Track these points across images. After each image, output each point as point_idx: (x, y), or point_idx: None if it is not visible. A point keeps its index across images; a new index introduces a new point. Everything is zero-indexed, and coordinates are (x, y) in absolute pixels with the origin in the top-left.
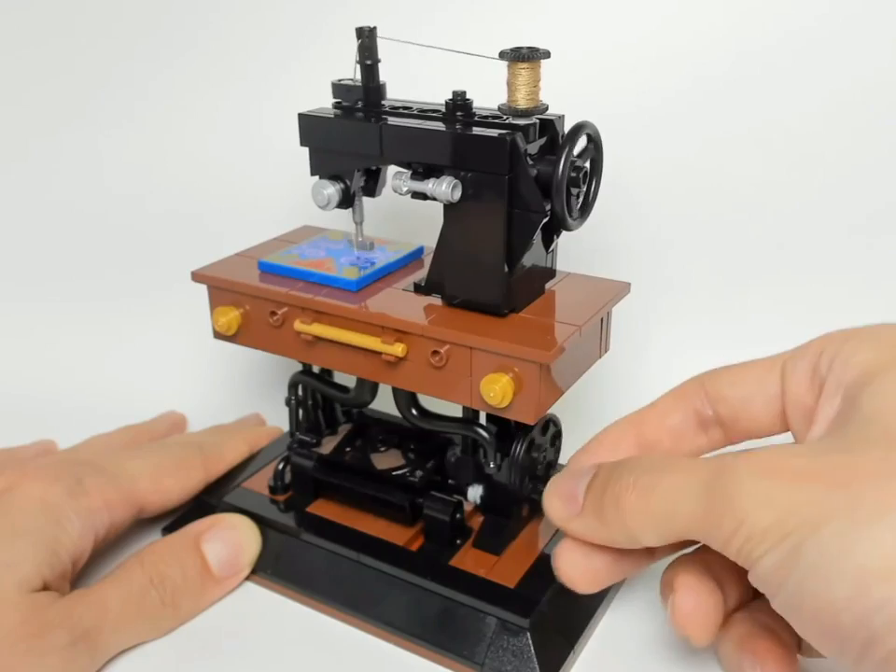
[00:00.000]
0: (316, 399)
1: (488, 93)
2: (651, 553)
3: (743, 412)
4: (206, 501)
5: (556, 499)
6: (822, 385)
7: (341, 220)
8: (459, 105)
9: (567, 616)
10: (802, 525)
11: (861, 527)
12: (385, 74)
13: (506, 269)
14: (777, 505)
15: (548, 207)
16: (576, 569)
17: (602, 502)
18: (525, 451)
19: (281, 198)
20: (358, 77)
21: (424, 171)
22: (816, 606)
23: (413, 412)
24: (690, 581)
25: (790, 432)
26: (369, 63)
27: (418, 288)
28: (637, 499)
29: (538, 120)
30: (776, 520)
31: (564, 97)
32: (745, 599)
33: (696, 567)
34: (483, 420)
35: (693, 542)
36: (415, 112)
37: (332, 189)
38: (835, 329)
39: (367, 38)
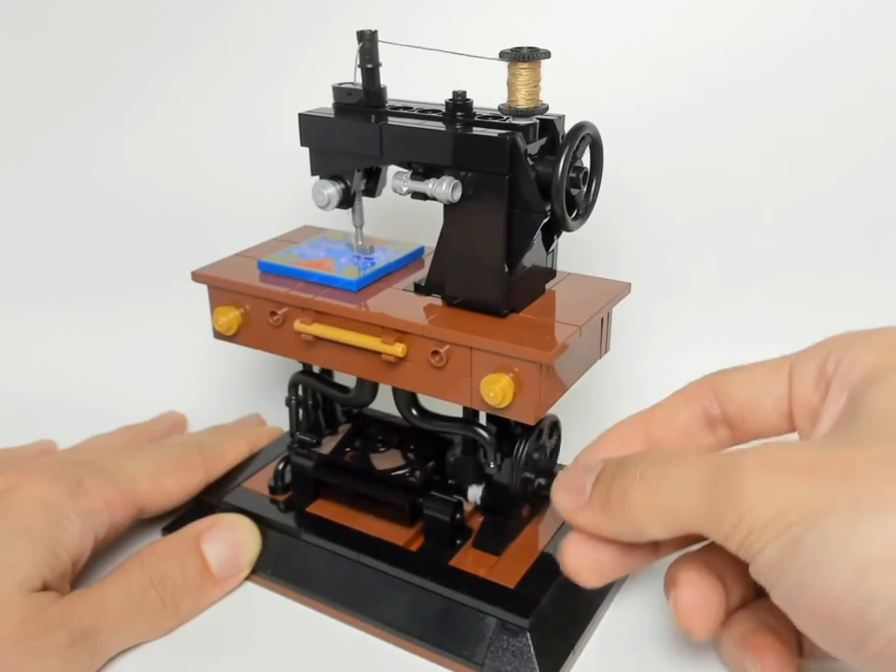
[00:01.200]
0: (316, 399)
1: (488, 93)
2: (656, 548)
3: (751, 411)
4: (206, 501)
5: (564, 492)
6: (828, 385)
7: (341, 220)
8: (459, 105)
9: (567, 616)
10: (802, 518)
11: (861, 519)
12: (385, 74)
13: (506, 269)
14: (778, 498)
15: (548, 207)
16: (582, 562)
17: (609, 495)
18: (526, 451)
19: (281, 198)
20: (359, 80)
21: (424, 171)
22: (814, 597)
23: (413, 412)
24: (692, 577)
25: (796, 432)
26: (370, 66)
27: (418, 288)
28: (642, 493)
29: (538, 121)
30: (777, 513)
31: (564, 97)
32: (747, 598)
33: (700, 564)
34: (483, 420)
35: (698, 539)
36: (415, 112)
37: (332, 189)
38: (836, 328)
39: (368, 42)
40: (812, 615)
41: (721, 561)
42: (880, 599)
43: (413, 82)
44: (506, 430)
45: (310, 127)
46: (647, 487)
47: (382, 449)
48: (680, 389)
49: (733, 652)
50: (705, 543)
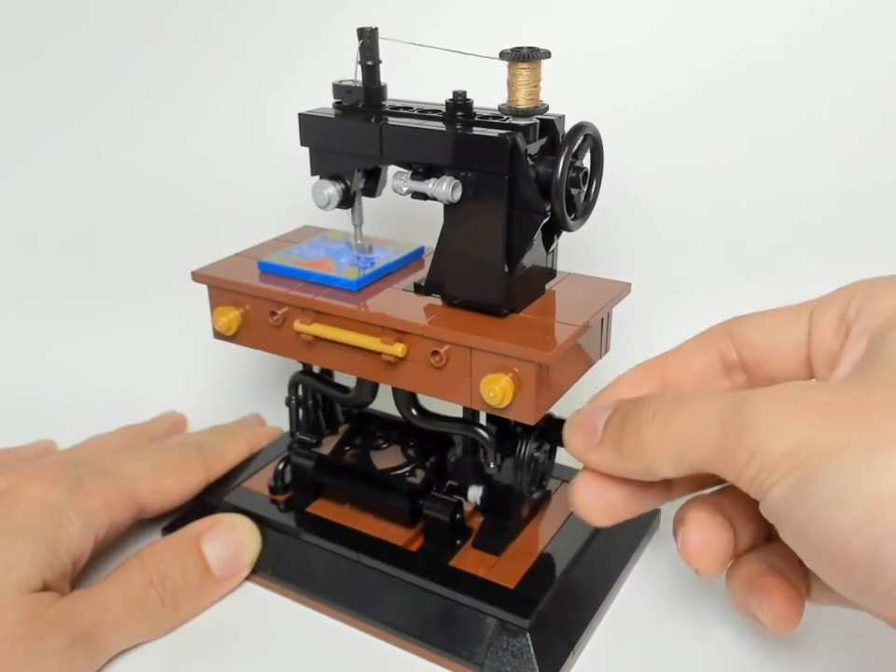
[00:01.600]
0: (316, 399)
1: (488, 93)
2: (667, 488)
3: (768, 357)
4: (206, 501)
5: (576, 431)
6: (849, 330)
7: (341, 220)
8: (459, 105)
9: (566, 616)
10: (815, 455)
11: (874, 456)
12: (385, 74)
13: (506, 269)
14: (791, 436)
15: (548, 207)
16: (593, 502)
17: (621, 434)
18: (529, 451)
19: (281, 198)
20: (359, 77)
21: (424, 171)
22: (824, 534)
23: (413, 412)
24: (701, 516)
25: (814, 379)
26: (370, 63)
27: (418, 288)
28: (655, 430)
29: (538, 121)
30: (789, 450)
31: (564, 97)
32: (757, 543)
33: (709, 506)
34: (483, 420)
35: (710, 482)
36: (416, 112)
37: (333, 189)
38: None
39: (368, 39)
40: (821, 553)
41: (732, 504)
42: (892, 538)
43: (414, 82)
44: (506, 430)
45: (310, 127)
46: (659, 424)
47: (383, 446)
48: (697, 335)
49: (739, 593)
50: (717, 487)
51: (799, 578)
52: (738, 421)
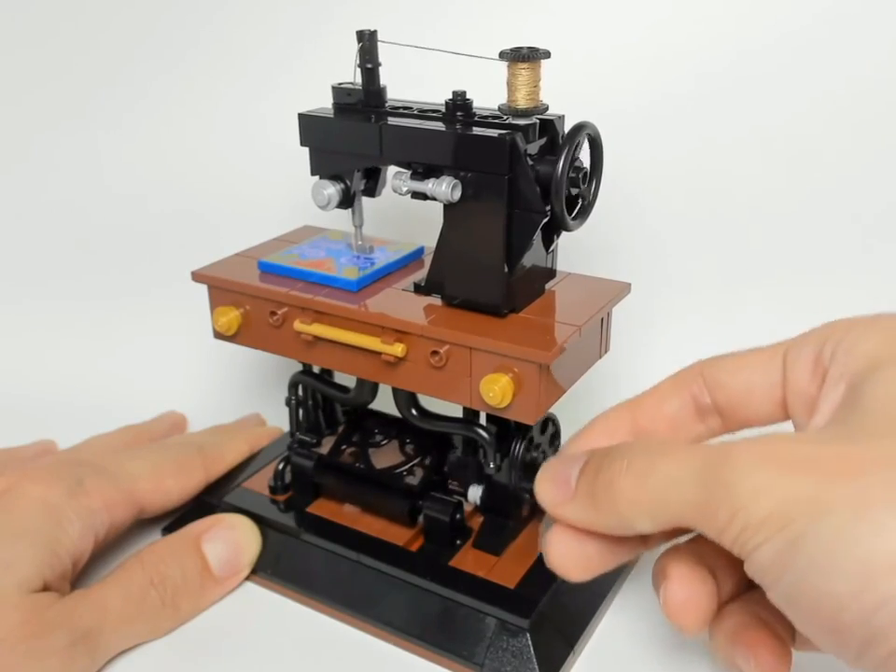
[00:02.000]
0: (316, 399)
1: (488, 93)
2: (644, 540)
3: (742, 400)
4: (206, 501)
5: (548, 484)
6: (825, 373)
7: (341, 220)
8: (459, 105)
9: (566, 616)
10: (802, 516)
11: (866, 519)
12: (385, 74)
13: (506, 269)
14: (775, 494)
15: (548, 207)
16: (567, 557)
17: (595, 487)
18: (524, 450)
19: (281, 198)
20: (359, 80)
21: (424, 171)
22: (815, 599)
23: (413, 412)
24: (682, 570)
25: (790, 421)
26: (369, 66)
27: (418, 288)
28: (630, 484)
29: (538, 120)
30: (774, 509)
31: (564, 97)
32: (739, 590)
33: (689, 557)
34: (482, 420)
35: (688, 530)
36: (415, 112)
37: (332, 189)
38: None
39: (367, 42)
40: (813, 618)
41: (712, 552)
42: (888, 605)
43: (413, 82)
44: (506, 431)
45: (310, 127)
46: (635, 479)
47: (382, 442)
48: (670, 377)
49: (724, 647)
50: (694, 535)
51: (784, 627)
52: (719, 477)
